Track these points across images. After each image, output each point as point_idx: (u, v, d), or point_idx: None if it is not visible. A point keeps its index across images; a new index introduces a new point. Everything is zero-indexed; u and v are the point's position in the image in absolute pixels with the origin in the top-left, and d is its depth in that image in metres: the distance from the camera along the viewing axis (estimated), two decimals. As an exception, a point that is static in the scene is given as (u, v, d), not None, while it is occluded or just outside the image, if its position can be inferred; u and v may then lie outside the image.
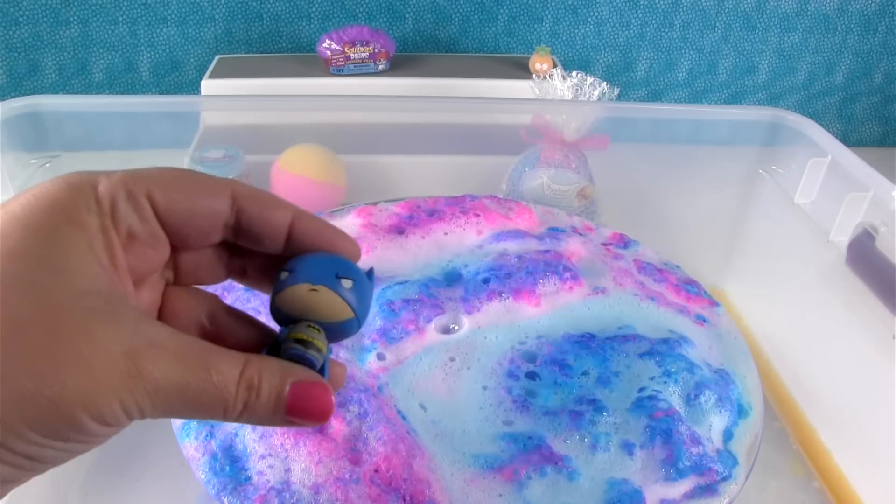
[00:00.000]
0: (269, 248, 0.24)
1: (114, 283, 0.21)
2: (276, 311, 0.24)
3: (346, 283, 0.23)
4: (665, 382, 0.37)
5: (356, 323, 0.24)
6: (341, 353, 0.38)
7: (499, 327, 0.40)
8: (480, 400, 0.36)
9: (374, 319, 0.39)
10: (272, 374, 0.22)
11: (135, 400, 0.19)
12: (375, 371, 0.37)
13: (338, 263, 0.24)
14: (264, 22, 0.94)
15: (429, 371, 0.37)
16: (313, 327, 0.23)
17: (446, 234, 0.47)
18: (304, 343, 0.23)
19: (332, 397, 0.23)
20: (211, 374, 0.20)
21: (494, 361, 0.38)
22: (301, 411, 0.22)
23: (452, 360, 0.38)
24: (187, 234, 0.23)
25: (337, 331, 0.24)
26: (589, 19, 0.97)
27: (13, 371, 0.18)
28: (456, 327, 0.40)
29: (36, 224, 0.20)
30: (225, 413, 0.21)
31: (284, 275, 0.23)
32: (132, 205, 0.22)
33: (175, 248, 0.24)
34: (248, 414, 0.21)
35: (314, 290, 0.23)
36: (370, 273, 0.25)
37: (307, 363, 0.23)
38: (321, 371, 0.23)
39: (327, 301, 0.23)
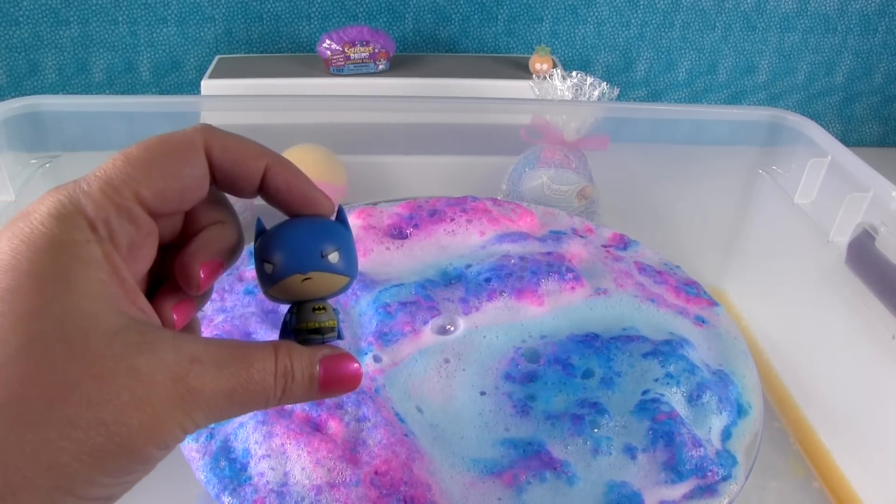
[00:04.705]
0: (245, 196, 0.24)
1: (133, 308, 0.21)
2: (273, 299, 0.24)
3: (333, 257, 0.23)
4: (668, 384, 0.37)
5: (351, 282, 0.24)
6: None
7: (499, 327, 0.40)
8: (479, 404, 0.36)
9: (370, 322, 0.39)
10: (302, 357, 0.23)
11: (191, 418, 0.20)
12: (372, 373, 0.37)
13: (316, 236, 0.23)
14: (264, 22, 0.93)
15: (424, 373, 0.37)
16: (319, 308, 0.23)
17: (448, 234, 0.47)
18: (318, 331, 0.23)
19: (358, 363, 0.24)
20: (252, 373, 0.21)
21: (493, 362, 0.38)
22: (333, 383, 0.23)
23: (447, 361, 0.38)
24: (174, 209, 0.23)
25: (337, 295, 0.24)
26: (589, 19, 0.97)
27: (79, 428, 0.18)
28: (452, 328, 0.40)
29: (42, 273, 0.19)
30: (266, 403, 0.22)
31: (269, 267, 0.23)
32: (125, 218, 0.21)
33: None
34: (286, 397, 0.22)
35: (307, 279, 0.23)
36: (340, 215, 0.25)
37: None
38: (338, 335, 0.24)
39: (322, 283, 0.23)
